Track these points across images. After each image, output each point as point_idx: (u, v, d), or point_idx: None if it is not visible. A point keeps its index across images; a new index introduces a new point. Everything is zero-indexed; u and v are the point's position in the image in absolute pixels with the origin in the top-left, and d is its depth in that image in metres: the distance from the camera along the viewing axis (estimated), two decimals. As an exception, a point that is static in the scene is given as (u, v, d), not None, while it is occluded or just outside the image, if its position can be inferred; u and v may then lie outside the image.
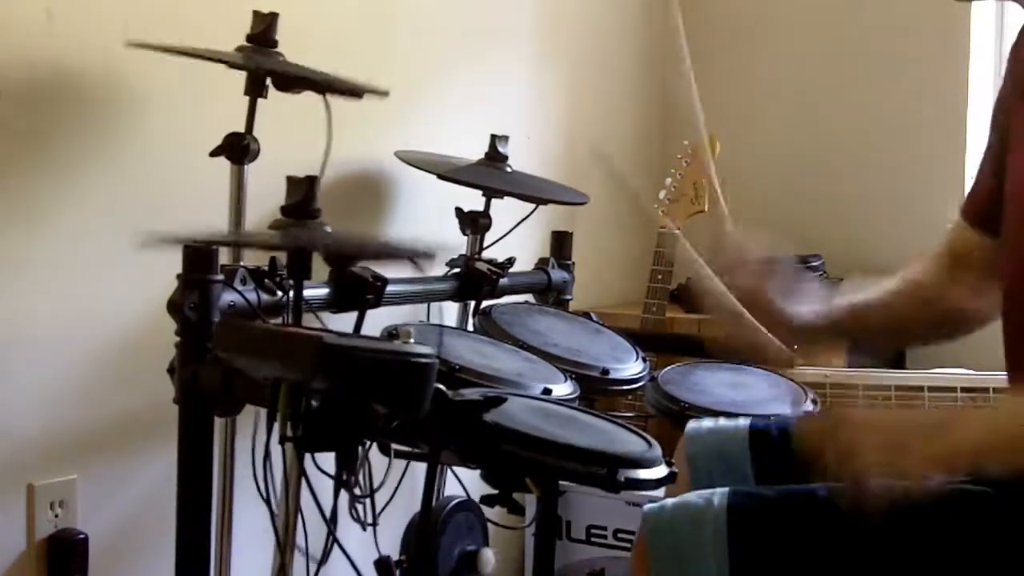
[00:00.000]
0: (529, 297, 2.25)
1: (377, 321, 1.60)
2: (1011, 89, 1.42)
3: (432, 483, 1.36)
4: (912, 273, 1.57)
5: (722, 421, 1.56)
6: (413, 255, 1.53)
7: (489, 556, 1.18)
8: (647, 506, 1.30)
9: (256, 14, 1.77)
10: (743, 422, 1.53)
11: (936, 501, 1.22)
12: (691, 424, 1.57)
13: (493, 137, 2.23)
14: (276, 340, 1.23)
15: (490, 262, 2.06)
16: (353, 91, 1.80)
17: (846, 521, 1.21)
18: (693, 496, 1.30)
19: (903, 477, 1.14)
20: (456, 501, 2.10)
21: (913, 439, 1.17)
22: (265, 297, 1.57)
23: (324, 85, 1.78)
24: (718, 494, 1.27)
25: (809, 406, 1.87)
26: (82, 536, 1.79)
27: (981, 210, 1.48)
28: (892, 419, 1.22)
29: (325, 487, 1.27)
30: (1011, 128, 1.39)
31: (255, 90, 1.76)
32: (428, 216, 2.32)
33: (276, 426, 1.20)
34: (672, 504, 1.30)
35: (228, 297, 1.51)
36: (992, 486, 1.25)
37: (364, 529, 1.30)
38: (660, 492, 1.47)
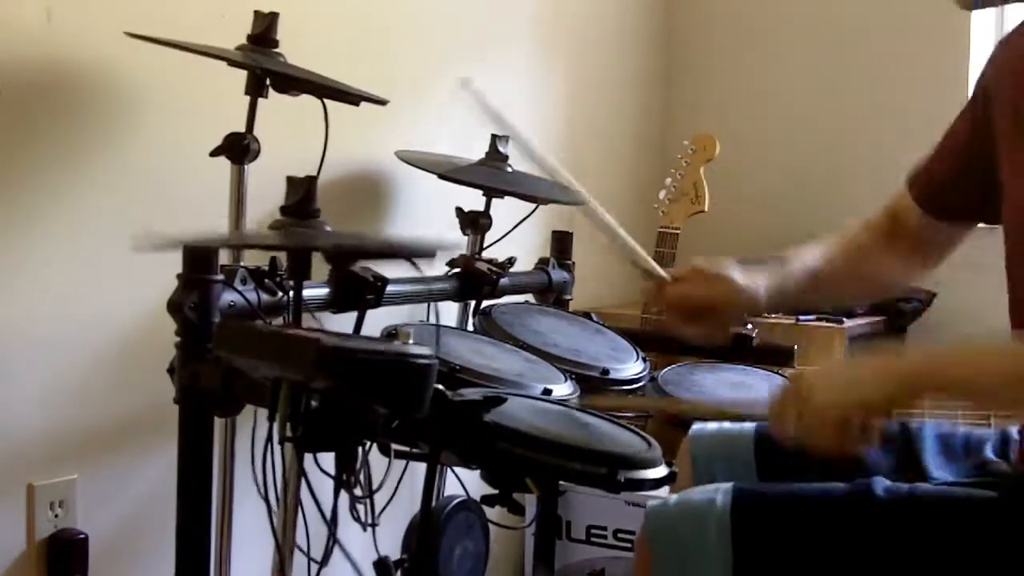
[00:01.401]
0: (529, 297, 2.25)
1: (377, 321, 1.60)
2: (1007, 92, 1.41)
3: (432, 483, 1.36)
4: (852, 238, 1.66)
5: (727, 424, 1.56)
6: (413, 254, 1.53)
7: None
8: (650, 503, 1.30)
9: (257, 14, 1.77)
10: (749, 425, 1.53)
11: (939, 504, 1.22)
12: (696, 426, 1.57)
13: (493, 137, 2.22)
14: (276, 340, 1.23)
15: (490, 262, 2.05)
16: (351, 98, 1.81)
17: (850, 519, 1.22)
18: (696, 493, 1.30)
19: (859, 409, 1.20)
20: (456, 501, 2.11)
21: (862, 374, 1.23)
22: (265, 297, 1.57)
23: (322, 89, 1.78)
24: (722, 491, 1.27)
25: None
26: (82, 536, 1.79)
27: (933, 195, 1.55)
28: (843, 370, 1.29)
29: (325, 487, 1.27)
30: (1002, 154, 1.39)
31: (255, 90, 1.76)
32: (428, 216, 2.32)
33: (276, 426, 1.20)
34: (675, 501, 1.30)
35: (228, 297, 1.51)
36: (996, 489, 1.25)
37: (364, 529, 1.30)
38: (661, 492, 1.47)
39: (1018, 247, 1.36)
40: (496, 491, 1.34)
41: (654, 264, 1.70)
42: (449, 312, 2.19)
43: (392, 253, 1.55)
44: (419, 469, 1.43)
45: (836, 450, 1.22)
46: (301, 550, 1.61)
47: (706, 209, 2.46)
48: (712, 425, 1.56)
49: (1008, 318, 1.39)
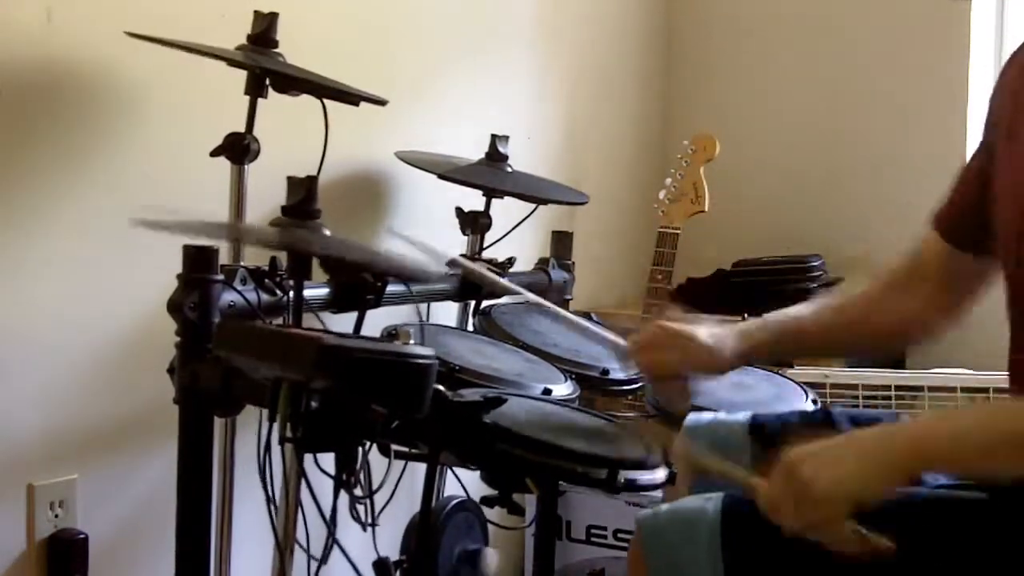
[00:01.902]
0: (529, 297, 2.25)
1: (377, 321, 1.60)
2: (1011, 110, 1.40)
3: (432, 483, 1.36)
4: (852, 291, 1.59)
5: (721, 415, 1.55)
6: (411, 279, 1.54)
7: (492, 556, 1.18)
8: (641, 513, 1.30)
9: (257, 14, 1.77)
10: (743, 415, 1.53)
11: (929, 506, 1.22)
12: (691, 416, 1.56)
13: (493, 137, 2.23)
14: (276, 340, 1.23)
15: (490, 262, 2.06)
16: (351, 98, 1.81)
17: None
18: (687, 502, 1.30)
19: (859, 500, 1.15)
20: (456, 501, 2.11)
21: (859, 462, 1.17)
22: (265, 297, 1.57)
23: (322, 89, 1.78)
24: (713, 499, 1.27)
25: (809, 406, 1.87)
26: (82, 536, 1.79)
27: (955, 225, 1.48)
28: (839, 443, 1.21)
29: (325, 487, 1.27)
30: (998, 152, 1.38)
31: (255, 90, 1.76)
32: (428, 216, 2.32)
33: (276, 426, 1.20)
34: (666, 510, 1.30)
35: (228, 297, 1.51)
36: (986, 491, 1.25)
37: (364, 529, 1.30)
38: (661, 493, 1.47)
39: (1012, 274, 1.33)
40: (496, 492, 1.35)
41: (609, 335, 1.65)
42: (449, 312, 2.19)
43: (386, 274, 1.55)
44: (419, 469, 1.43)
45: (836, 545, 1.16)
46: (302, 547, 1.62)
47: (706, 209, 2.46)
48: (707, 415, 1.55)
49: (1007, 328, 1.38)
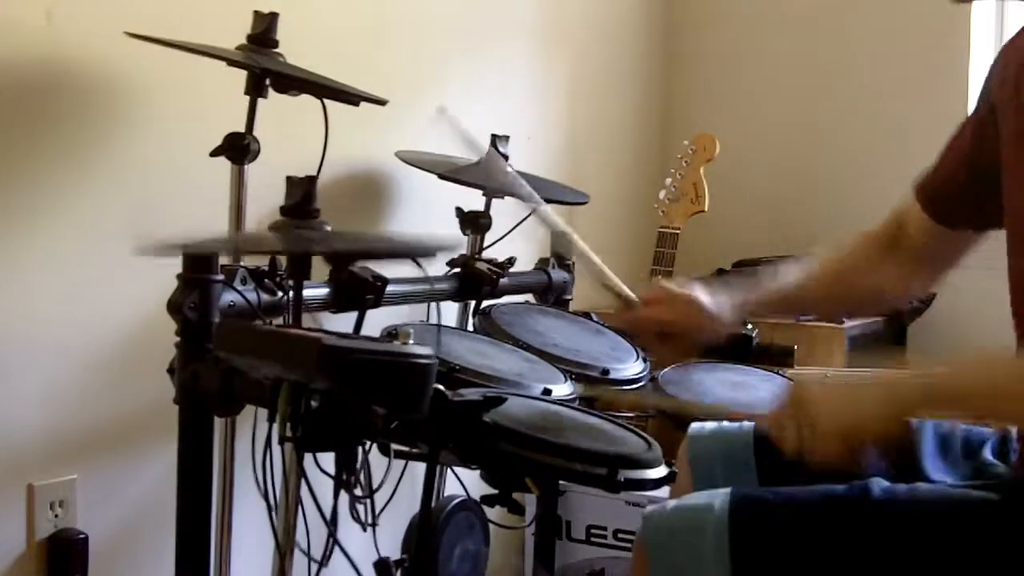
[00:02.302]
0: (529, 297, 2.25)
1: (377, 321, 1.60)
2: (1008, 95, 1.41)
3: (432, 483, 1.36)
4: (839, 253, 1.64)
5: (726, 424, 1.55)
6: (415, 254, 1.53)
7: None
8: (647, 509, 1.30)
9: (256, 14, 1.77)
10: (747, 425, 1.53)
11: (938, 506, 1.22)
12: (694, 426, 1.57)
13: (493, 137, 2.22)
14: (276, 340, 1.23)
15: (490, 262, 2.05)
16: (350, 98, 1.81)
17: (848, 522, 1.21)
18: (693, 499, 1.29)
19: (862, 431, 1.22)
20: (456, 500, 2.11)
21: (864, 397, 1.25)
22: (265, 297, 1.57)
23: (322, 89, 1.78)
24: (719, 496, 1.26)
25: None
26: (82, 536, 1.79)
27: (939, 200, 1.53)
28: (842, 386, 1.30)
29: (325, 487, 1.27)
30: (1006, 152, 1.38)
31: (255, 90, 1.76)
32: (428, 216, 2.32)
33: (276, 426, 1.20)
34: (672, 507, 1.29)
35: (228, 297, 1.51)
36: (995, 491, 1.24)
37: (364, 529, 1.30)
38: (663, 492, 1.47)
39: (1020, 253, 1.35)
40: (496, 491, 1.34)
41: (623, 286, 1.71)
42: (449, 312, 2.19)
43: (393, 254, 1.55)
44: (419, 469, 1.43)
45: (838, 466, 1.23)
46: (301, 549, 1.62)
47: (706, 209, 2.46)
48: (710, 425, 1.55)
49: (1009, 323, 1.38)
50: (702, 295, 1.59)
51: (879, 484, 1.25)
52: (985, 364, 1.25)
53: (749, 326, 2.14)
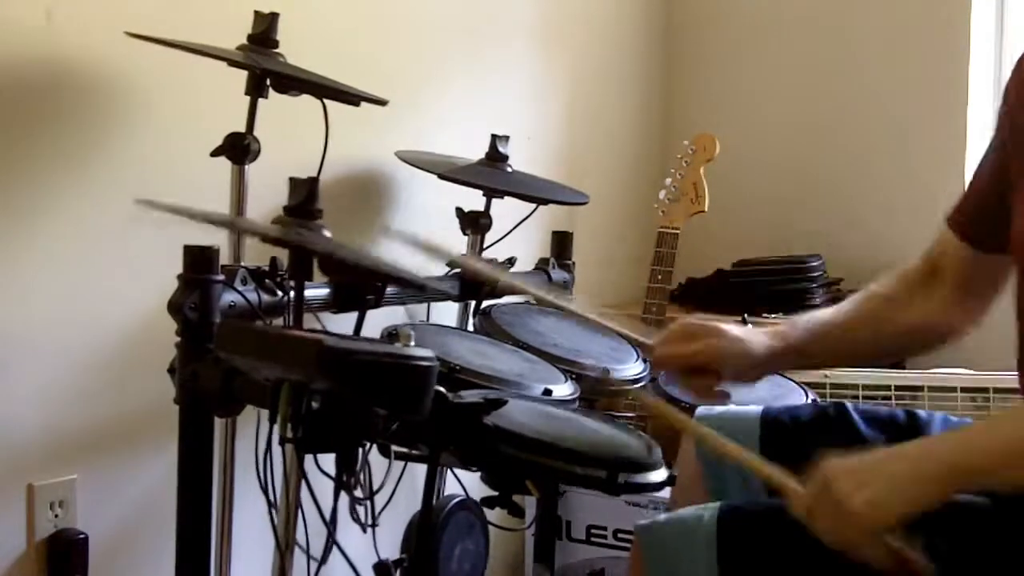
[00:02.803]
0: (530, 297, 2.25)
1: (377, 321, 1.60)
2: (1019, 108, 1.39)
3: (432, 485, 1.36)
4: (878, 290, 1.55)
5: (732, 407, 1.54)
6: (408, 285, 1.54)
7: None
8: (639, 522, 1.30)
9: (257, 14, 1.77)
10: (755, 408, 1.52)
11: (928, 514, 1.22)
12: (701, 408, 1.55)
13: (493, 137, 2.22)
14: (277, 341, 1.23)
15: (491, 262, 2.05)
16: (350, 98, 1.81)
17: None
18: (685, 511, 1.30)
19: (897, 518, 1.13)
20: (456, 501, 2.10)
21: (883, 473, 1.15)
22: (266, 297, 1.57)
23: (322, 89, 1.78)
24: (709, 508, 1.27)
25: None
26: (82, 536, 1.78)
27: (971, 223, 1.46)
28: (876, 458, 1.18)
29: (325, 488, 1.27)
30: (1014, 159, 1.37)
31: (255, 90, 1.76)
32: (428, 216, 2.32)
33: (276, 427, 1.20)
34: (664, 519, 1.31)
35: (228, 297, 1.51)
36: (988, 497, 1.24)
37: (364, 530, 1.30)
38: (665, 494, 1.47)
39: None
40: (496, 493, 1.35)
41: (633, 335, 1.65)
42: (449, 312, 2.19)
43: (384, 279, 1.55)
44: (419, 470, 1.43)
45: (873, 561, 1.15)
46: (301, 548, 1.62)
47: (706, 209, 2.46)
48: (717, 409, 1.55)
49: (1009, 330, 1.37)
50: (732, 328, 1.49)
51: None
52: (1016, 416, 1.19)
53: (749, 326, 2.14)
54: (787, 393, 1.94)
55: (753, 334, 1.49)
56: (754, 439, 1.47)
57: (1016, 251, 1.33)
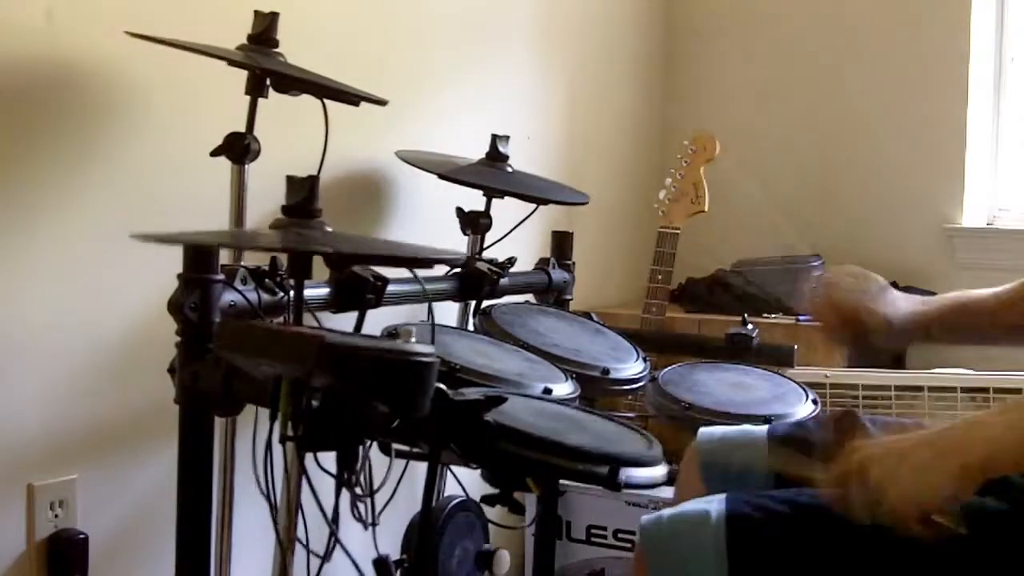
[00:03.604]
0: (529, 297, 2.25)
1: (378, 321, 1.60)
2: None
3: (432, 483, 1.36)
4: None
5: (734, 428, 1.54)
6: (415, 263, 1.53)
7: (505, 558, 1.17)
8: (644, 517, 1.29)
9: (257, 14, 1.77)
10: (760, 429, 1.51)
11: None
12: (703, 430, 1.54)
13: (494, 137, 2.23)
14: (277, 340, 1.23)
15: (491, 262, 2.06)
16: (350, 98, 1.81)
17: (846, 527, 1.20)
18: (691, 505, 1.28)
19: (928, 503, 1.13)
20: (456, 501, 2.10)
21: (932, 466, 1.15)
22: (266, 297, 1.57)
23: (322, 89, 1.78)
24: (715, 502, 1.26)
25: (809, 406, 1.87)
26: (82, 536, 1.78)
27: None
28: (905, 447, 1.18)
29: (326, 486, 1.27)
30: None
31: (255, 90, 1.76)
32: (428, 216, 2.32)
33: (277, 425, 1.20)
34: (670, 514, 1.28)
35: (228, 297, 1.51)
36: (1007, 502, 1.23)
37: (365, 528, 1.30)
38: (665, 492, 1.46)
39: None
40: (496, 490, 1.34)
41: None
42: (449, 312, 2.19)
43: (391, 262, 1.55)
44: (419, 469, 1.43)
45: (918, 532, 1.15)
46: (302, 543, 1.61)
47: (706, 209, 2.46)
48: (720, 429, 1.54)
49: None
50: (884, 293, 1.50)
51: None
52: None
53: (749, 326, 2.14)
54: (787, 393, 1.94)
55: (902, 301, 1.48)
56: (760, 458, 1.45)
57: None
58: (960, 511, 1.14)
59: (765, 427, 1.52)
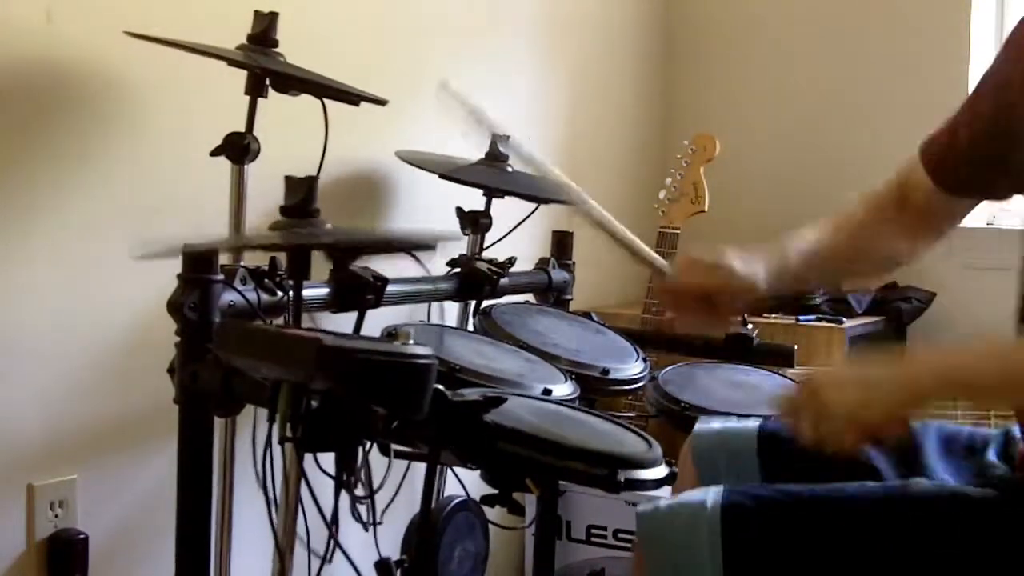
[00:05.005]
0: (529, 297, 2.25)
1: (378, 321, 1.60)
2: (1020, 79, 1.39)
3: (432, 483, 1.36)
4: (854, 215, 1.62)
5: (730, 422, 1.55)
6: (414, 247, 1.53)
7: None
8: (640, 507, 1.29)
9: (257, 14, 1.77)
10: (752, 423, 1.52)
11: (935, 503, 1.22)
12: (698, 424, 1.56)
13: (493, 137, 2.22)
14: (276, 340, 1.23)
15: (491, 262, 2.05)
16: (350, 98, 1.80)
17: (842, 519, 1.21)
18: (687, 496, 1.29)
19: (876, 416, 1.21)
20: (456, 501, 2.11)
21: (879, 389, 1.23)
22: (265, 297, 1.57)
23: (322, 89, 1.78)
24: (712, 492, 1.26)
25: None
26: (82, 536, 1.79)
27: (948, 169, 1.50)
28: (857, 374, 1.27)
29: (325, 487, 1.27)
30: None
31: (255, 90, 1.76)
32: (428, 216, 2.32)
33: (276, 427, 1.20)
34: (666, 504, 1.29)
35: (228, 297, 1.51)
36: (994, 488, 1.24)
37: (365, 529, 1.30)
38: (664, 492, 1.46)
39: None
40: (496, 491, 1.34)
41: (654, 255, 1.70)
42: (449, 312, 2.18)
43: (392, 248, 1.55)
44: (419, 469, 1.43)
45: (853, 453, 1.23)
46: (303, 541, 1.61)
47: (706, 209, 2.46)
48: (715, 424, 1.55)
49: (1008, 322, 1.38)
50: (733, 259, 1.55)
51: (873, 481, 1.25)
52: (997, 351, 1.26)
53: (749, 326, 2.14)
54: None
55: (752, 269, 1.55)
56: (752, 453, 1.47)
57: None
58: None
59: (756, 423, 1.52)
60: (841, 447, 1.22)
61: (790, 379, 2.01)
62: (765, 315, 2.65)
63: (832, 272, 1.73)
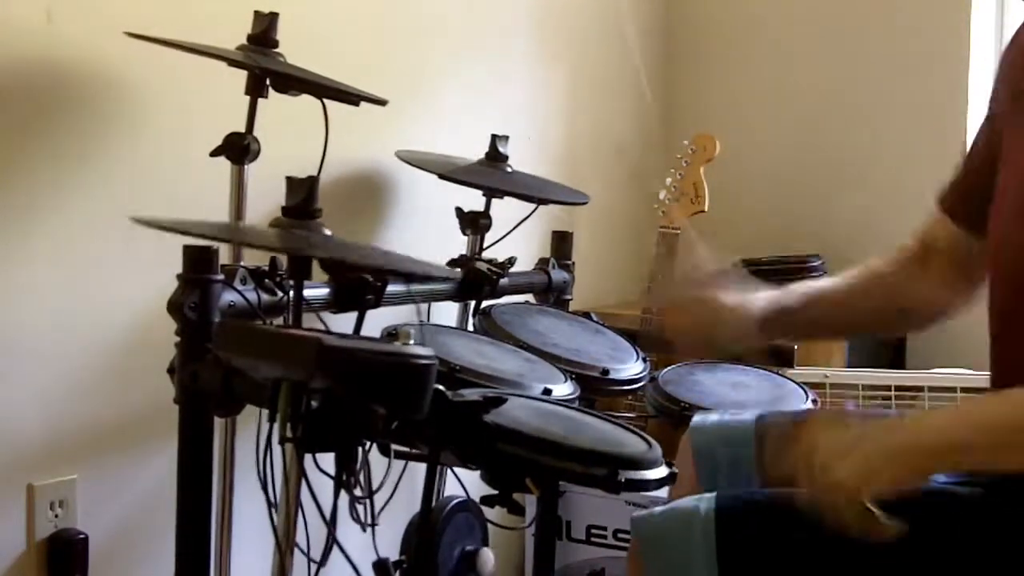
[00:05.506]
0: (529, 297, 2.25)
1: (378, 321, 1.60)
2: (1006, 96, 1.41)
3: (432, 484, 1.36)
4: (876, 265, 1.57)
5: (728, 414, 1.55)
6: (411, 278, 1.54)
7: (488, 556, 1.18)
8: (636, 513, 1.30)
9: (257, 14, 1.77)
10: (749, 415, 1.52)
11: (925, 502, 1.22)
12: (697, 416, 1.56)
13: (493, 137, 2.22)
14: (276, 340, 1.23)
15: (490, 262, 2.06)
16: (350, 98, 1.81)
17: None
18: (682, 501, 1.30)
19: (868, 489, 1.13)
20: (456, 501, 2.10)
21: (869, 443, 1.15)
22: (265, 297, 1.57)
23: (322, 89, 1.78)
24: (706, 498, 1.27)
25: (809, 406, 1.87)
26: (82, 536, 1.79)
27: (962, 204, 1.48)
28: (857, 433, 1.18)
29: (325, 487, 1.27)
30: (1004, 138, 1.38)
31: (255, 90, 1.76)
32: (428, 216, 2.32)
33: (276, 426, 1.20)
34: (660, 510, 1.30)
35: (228, 297, 1.51)
36: (983, 487, 1.24)
37: (364, 530, 1.30)
38: (663, 492, 1.47)
39: (1004, 260, 1.31)
40: (496, 491, 1.34)
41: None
42: (449, 312, 2.19)
43: (384, 273, 1.55)
44: (419, 469, 1.43)
45: (852, 526, 1.15)
46: (301, 550, 1.61)
47: (706, 209, 2.45)
48: (713, 416, 1.55)
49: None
50: (728, 298, 1.51)
51: None
52: (1000, 401, 1.19)
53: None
54: (787, 394, 1.94)
55: (749, 302, 1.51)
56: (749, 446, 1.47)
57: (992, 253, 1.33)
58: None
59: (753, 415, 1.53)
60: (840, 518, 1.14)
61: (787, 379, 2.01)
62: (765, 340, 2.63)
63: (840, 321, 1.60)
